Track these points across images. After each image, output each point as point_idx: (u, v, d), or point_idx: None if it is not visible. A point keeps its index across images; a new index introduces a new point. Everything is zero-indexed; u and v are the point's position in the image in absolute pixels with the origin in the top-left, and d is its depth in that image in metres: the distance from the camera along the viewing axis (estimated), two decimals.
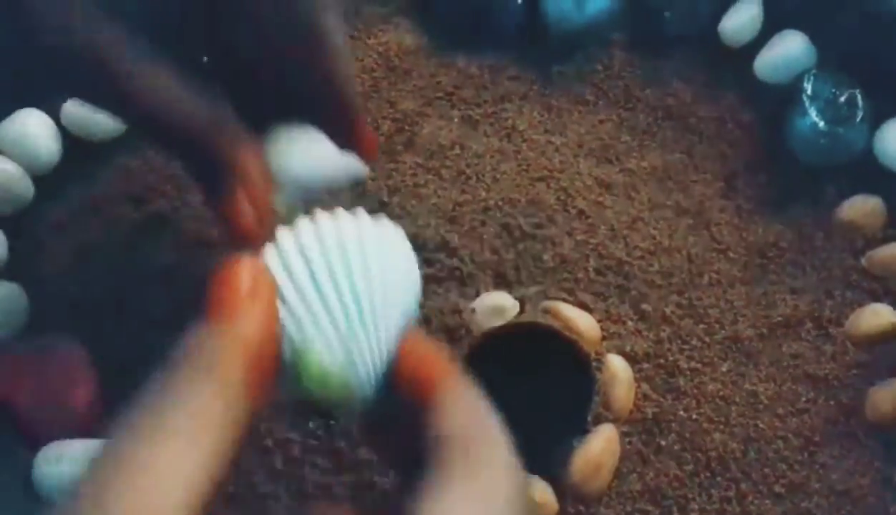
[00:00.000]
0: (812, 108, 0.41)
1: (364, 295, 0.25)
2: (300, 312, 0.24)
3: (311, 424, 0.35)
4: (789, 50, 0.43)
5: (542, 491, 0.34)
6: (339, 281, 0.24)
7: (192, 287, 0.37)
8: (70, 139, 0.41)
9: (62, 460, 0.33)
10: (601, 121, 0.44)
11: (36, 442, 0.34)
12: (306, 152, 0.32)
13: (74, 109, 0.41)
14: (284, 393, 0.25)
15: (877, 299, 0.38)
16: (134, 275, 0.39)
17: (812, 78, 0.42)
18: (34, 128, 0.40)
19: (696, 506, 0.34)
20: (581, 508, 0.34)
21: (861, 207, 0.41)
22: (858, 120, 0.41)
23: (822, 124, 0.41)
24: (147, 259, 0.39)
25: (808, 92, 0.42)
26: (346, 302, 0.24)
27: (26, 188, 0.40)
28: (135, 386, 0.36)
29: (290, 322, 0.24)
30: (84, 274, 0.39)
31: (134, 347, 0.37)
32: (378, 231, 0.27)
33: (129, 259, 0.39)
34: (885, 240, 0.40)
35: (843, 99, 0.41)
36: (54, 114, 0.41)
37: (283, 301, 0.24)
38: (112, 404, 0.36)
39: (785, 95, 0.43)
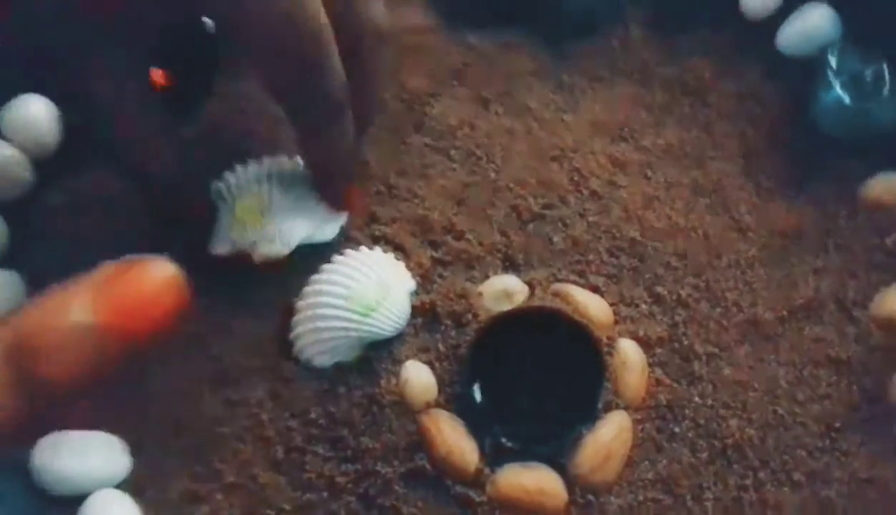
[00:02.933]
0: (837, 83, 0.40)
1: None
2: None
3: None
4: (813, 22, 0.42)
5: (551, 480, 0.33)
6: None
7: (199, 272, 0.36)
8: (71, 124, 0.41)
9: (58, 450, 0.33)
10: (616, 99, 0.43)
11: (31, 433, 0.33)
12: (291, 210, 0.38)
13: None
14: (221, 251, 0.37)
15: None
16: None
17: (837, 51, 0.40)
18: (35, 114, 0.40)
19: (711, 495, 0.33)
20: (591, 497, 0.33)
21: (887, 185, 0.39)
22: (885, 94, 0.39)
23: (847, 99, 0.39)
24: (150, 244, 0.39)
25: (833, 65, 0.40)
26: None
27: (27, 174, 0.39)
28: (131, 374, 0.35)
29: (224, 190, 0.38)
30: (85, 261, 0.38)
31: None
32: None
33: (132, 244, 0.39)
34: None
35: (869, 73, 0.40)
36: (55, 98, 0.40)
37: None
38: (114, 395, 0.35)
39: (808, 69, 0.41)
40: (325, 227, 0.38)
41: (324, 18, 0.32)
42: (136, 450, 0.34)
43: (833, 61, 0.40)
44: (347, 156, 0.37)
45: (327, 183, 0.37)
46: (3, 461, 0.33)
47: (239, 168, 0.38)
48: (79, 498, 0.33)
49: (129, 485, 0.33)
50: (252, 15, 0.31)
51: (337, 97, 0.34)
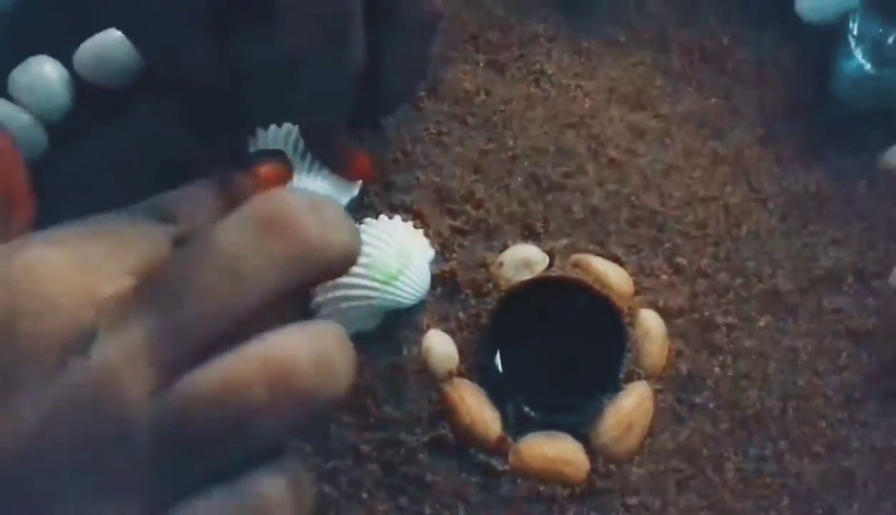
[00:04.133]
0: (858, 50, 0.39)
1: None
2: None
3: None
4: None
5: (573, 450, 0.33)
6: None
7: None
8: (83, 86, 0.40)
9: None
10: (634, 65, 0.42)
11: None
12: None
13: (87, 56, 0.39)
14: None
15: None
16: None
17: (858, 17, 0.40)
18: (47, 76, 0.39)
19: (732, 465, 0.33)
20: (612, 467, 0.33)
21: None
22: None
23: (868, 66, 0.39)
24: None
25: (854, 32, 0.40)
26: None
27: (39, 137, 0.39)
28: None
29: None
30: None
31: None
32: None
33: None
34: None
35: (891, 39, 0.39)
36: (67, 61, 0.40)
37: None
38: None
39: (829, 36, 0.41)
40: (341, 195, 0.37)
41: None
42: None
43: (854, 27, 0.40)
44: (340, 120, 0.36)
45: (318, 142, 0.36)
46: None
47: (260, 132, 0.38)
48: None
49: None
50: None
51: (349, 71, 0.33)
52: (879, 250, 0.37)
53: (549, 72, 0.42)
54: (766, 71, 0.42)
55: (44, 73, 0.39)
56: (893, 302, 0.36)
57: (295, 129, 0.38)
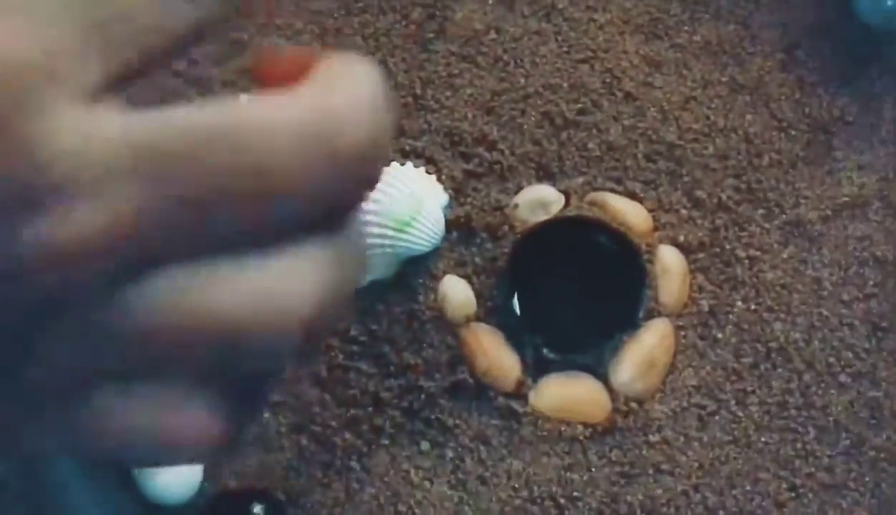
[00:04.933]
0: None
1: None
2: None
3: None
4: None
5: (594, 389, 0.33)
6: None
7: None
8: None
9: None
10: None
11: None
12: None
13: None
14: None
15: None
16: None
17: None
18: None
19: (756, 399, 0.33)
20: (634, 405, 0.33)
21: None
22: None
23: None
24: None
25: None
26: None
27: None
28: None
29: None
30: None
31: None
32: None
33: None
34: None
35: None
36: None
37: None
38: None
39: None
40: None
41: None
42: None
43: None
44: None
45: None
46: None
47: None
48: None
49: None
50: None
51: None
52: None
53: (561, 5, 0.41)
54: None
55: None
56: None
57: None
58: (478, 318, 0.34)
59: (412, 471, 0.33)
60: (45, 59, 0.14)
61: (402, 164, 0.37)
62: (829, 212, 0.36)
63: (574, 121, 0.38)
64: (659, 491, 0.32)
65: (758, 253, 0.35)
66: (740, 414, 0.33)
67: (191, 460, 0.17)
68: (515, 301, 0.34)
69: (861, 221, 0.36)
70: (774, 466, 0.32)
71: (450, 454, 0.33)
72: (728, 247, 0.35)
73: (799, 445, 0.32)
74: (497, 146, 0.37)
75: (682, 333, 0.34)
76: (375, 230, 0.34)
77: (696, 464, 0.32)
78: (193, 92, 0.39)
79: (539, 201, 0.36)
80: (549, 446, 0.32)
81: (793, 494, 0.32)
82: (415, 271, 0.35)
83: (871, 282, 0.34)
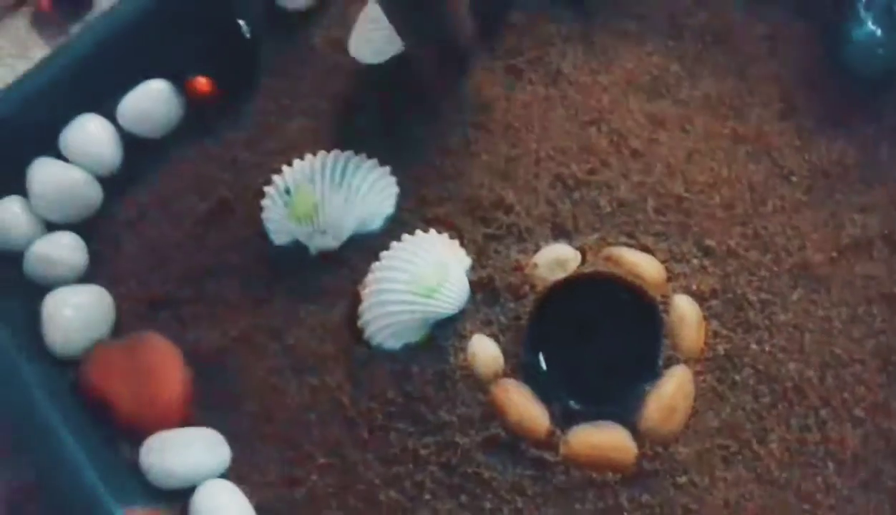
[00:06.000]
0: (868, 17, 0.40)
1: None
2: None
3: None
4: None
5: (620, 436, 0.34)
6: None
7: (263, 266, 0.38)
8: (128, 138, 0.42)
9: (165, 450, 0.35)
10: (648, 54, 0.43)
11: (136, 436, 0.36)
12: None
13: (130, 110, 0.42)
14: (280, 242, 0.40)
15: None
16: (206, 264, 0.40)
17: None
18: (95, 133, 0.41)
19: (776, 436, 0.34)
20: (660, 449, 0.34)
21: None
22: None
23: (879, 32, 0.39)
24: (216, 245, 0.41)
25: None
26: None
27: (95, 192, 0.41)
28: (220, 371, 0.38)
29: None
30: (159, 269, 0.41)
31: (215, 334, 0.39)
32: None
33: (199, 247, 0.41)
34: None
35: None
36: (111, 116, 0.42)
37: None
38: (201, 391, 0.38)
39: (838, 4, 0.41)
40: (373, 220, 0.40)
41: None
42: (233, 441, 0.37)
43: None
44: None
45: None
46: (112, 463, 0.36)
47: (296, 162, 0.40)
48: (188, 491, 0.35)
49: (232, 474, 0.36)
50: None
51: None
52: None
53: (566, 71, 0.43)
54: (779, 46, 0.42)
55: (92, 131, 0.41)
56: None
57: (328, 158, 0.40)
58: (506, 374, 0.36)
59: None
60: None
61: (426, 233, 0.39)
62: (834, 254, 0.37)
63: (585, 181, 0.40)
64: None
65: (769, 296, 0.37)
66: (762, 452, 0.34)
67: None
68: (541, 357, 0.36)
69: (866, 260, 0.37)
70: (797, 501, 0.34)
71: (488, 505, 0.34)
72: (739, 292, 0.37)
73: (819, 479, 0.34)
74: (514, 209, 0.39)
75: (701, 378, 0.35)
76: (405, 297, 0.37)
77: (721, 503, 0.34)
78: (227, 175, 0.42)
79: (557, 260, 0.38)
80: (581, 492, 0.34)
81: None
82: (444, 333, 0.37)
83: (879, 319, 0.36)
